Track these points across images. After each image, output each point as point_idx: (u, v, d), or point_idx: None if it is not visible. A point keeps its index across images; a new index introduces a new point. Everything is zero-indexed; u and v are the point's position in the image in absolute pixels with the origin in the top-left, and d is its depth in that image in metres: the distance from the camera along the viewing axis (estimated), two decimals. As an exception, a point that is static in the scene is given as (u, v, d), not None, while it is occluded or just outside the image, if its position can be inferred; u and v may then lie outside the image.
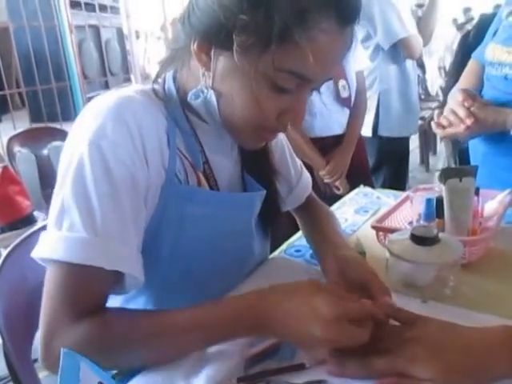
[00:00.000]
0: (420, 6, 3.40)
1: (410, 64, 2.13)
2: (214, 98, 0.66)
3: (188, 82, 0.70)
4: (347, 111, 1.70)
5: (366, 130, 2.07)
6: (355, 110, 1.72)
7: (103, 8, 4.31)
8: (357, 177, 1.64)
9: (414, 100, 2.20)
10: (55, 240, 0.60)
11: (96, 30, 4.23)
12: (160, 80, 0.73)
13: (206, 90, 0.66)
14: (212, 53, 0.63)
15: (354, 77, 1.67)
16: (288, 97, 0.64)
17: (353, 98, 1.69)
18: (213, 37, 0.61)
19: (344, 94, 1.63)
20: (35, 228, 0.90)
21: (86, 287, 0.61)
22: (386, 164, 2.15)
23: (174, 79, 0.72)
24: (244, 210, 0.78)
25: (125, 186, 0.62)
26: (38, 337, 0.61)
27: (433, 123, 1.19)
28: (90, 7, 4.09)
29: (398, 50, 2.03)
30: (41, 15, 3.44)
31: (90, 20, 4.08)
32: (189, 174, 0.71)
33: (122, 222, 0.61)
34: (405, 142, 2.24)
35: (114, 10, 4.55)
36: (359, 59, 1.72)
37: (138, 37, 5.15)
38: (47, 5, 3.49)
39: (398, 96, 2.10)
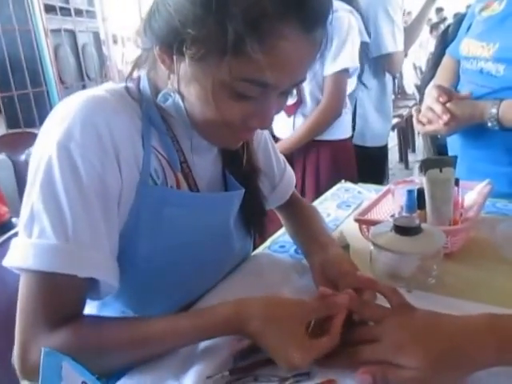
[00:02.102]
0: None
1: (388, 77, 2.13)
2: (180, 101, 0.65)
3: (159, 82, 0.69)
4: (290, 118, 1.66)
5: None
6: (309, 116, 1.66)
7: (79, 12, 4.24)
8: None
9: (389, 112, 2.20)
10: (26, 248, 0.58)
11: (72, 34, 4.16)
12: (135, 78, 0.72)
13: (172, 94, 0.65)
14: (174, 58, 0.61)
15: (314, 82, 1.62)
16: (252, 102, 0.62)
17: (309, 104, 1.66)
18: (172, 43, 0.60)
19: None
20: (12, 232, 0.88)
21: (60, 295, 0.60)
22: (361, 171, 2.13)
23: (149, 78, 0.70)
24: (222, 210, 0.77)
25: (95, 189, 0.60)
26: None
27: (414, 119, 1.20)
28: (66, 11, 4.03)
29: (381, 62, 2.02)
30: (15, 19, 3.39)
31: (66, 24, 4.02)
32: (167, 175, 0.70)
33: (93, 226, 0.60)
34: (381, 150, 2.22)
35: (90, 14, 4.48)
36: (340, 59, 1.62)
37: (115, 41, 5.10)
38: (21, 9, 3.43)
39: (374, 107, 2.09)
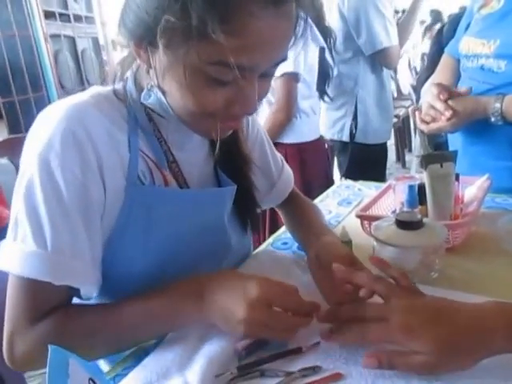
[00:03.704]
0: (396, 12, 3.47)
1: (386, 72, 2.16)
2: (162, 96, 0.64)
3: (143, 80, 0.68)
4: None
5: (344, 136, 2.11)
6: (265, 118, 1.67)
7: (78, 18, 4.26)
8: (320, 186, 1.64)
9: (390, 107, 2.23)
10: (10, 251, 0.61)
11: (71, 40, 4.18)
12: (123, 79, 0.71)
13: (154, 89, 0.64)
14: (148, 50, 0.61)
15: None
16: (232, 88, 0.59)
17: (264, 106, 1.67)
18: (144, 35, 0.59)
19: None
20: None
21: (42, 296, 0.62)
22: (362, 169, 2.12)
23: (135, 79, 0.70)
24: (213, 207, 0.77)
25: (75, 199, 0.61)
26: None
27: (417, 119, 1.21)
28: (65, 17, 4.05)
29: (378, 58, 2.04)
30: (15, 25, 3.40)
31: (65, 30, 4.04)
32: (154, 175, 0.70)
33: (73, 235, 0.62)
34: (382, 147, 2.24)
35: (89, 19, 4.49)
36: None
37: (114, 46, 5.11)
38: (21, 15, 3.44)
39: (374, 104, 2.11)
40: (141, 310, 0.64)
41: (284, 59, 0.61)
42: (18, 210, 0.61)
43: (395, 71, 4.47)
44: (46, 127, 0.62)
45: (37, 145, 0.61)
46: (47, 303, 0.63)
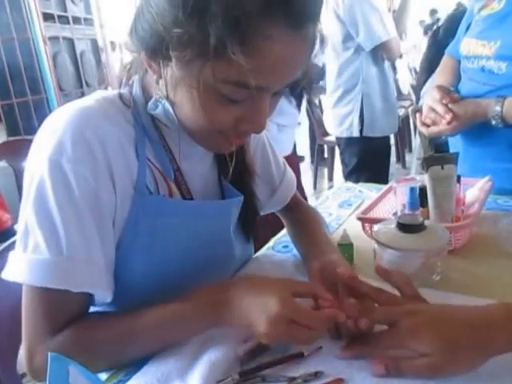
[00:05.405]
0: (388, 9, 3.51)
1: (387, 65, 2.20)
2: (170, 108, 0.63)
3: (151, 88, 0.67)
4: None
5: (354, 131, 2.16)
6: None
7: (77, 20, 4.26)
8: None
9: (394, 100, 2.28)
10: (21, 262, 0.60)
11: (70, 42, 4.18)
12: (129, 84, 0.70)
13: (162, 100, 0.63)
14: (160, 62, 0.60)
15: None
16: (243, 106, 0.59)
17: None
18: (156, 47, 0.58)
19: None
20: (14, 238, 0.88)
21: (57, 306, 0.61)
22: (370, 163, 2.21)
23: (142, 84, 0.69)
24: (220, 218, 0.76)
25: (88, 203, 0.61)
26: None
27: (418, 122, 1.21)
28: (64, 19, 4.05)
29: (379, 52, 2.09)
30: (14, 28, 3.41)
31: (64, 32, 4.04)
32: (159, 184, 0.69)
33: (87, 241, 0.61)
34: (387, 140, 2.32)
35: (88, 21, 4.50)
36: None
37: (113, 48, 5.12)
38: (20, 17, 3.45)
39: (379, 97, 2.16)
40: (163, 314, 0.62)
41: (298, 80, 0.62)
42: (27, 217, 0.59)
43: (395, 72, 4.48)
44: (54, 131, 0.60)
45: (46, 149, 0.60)
46: (65, 312, 0.62)
